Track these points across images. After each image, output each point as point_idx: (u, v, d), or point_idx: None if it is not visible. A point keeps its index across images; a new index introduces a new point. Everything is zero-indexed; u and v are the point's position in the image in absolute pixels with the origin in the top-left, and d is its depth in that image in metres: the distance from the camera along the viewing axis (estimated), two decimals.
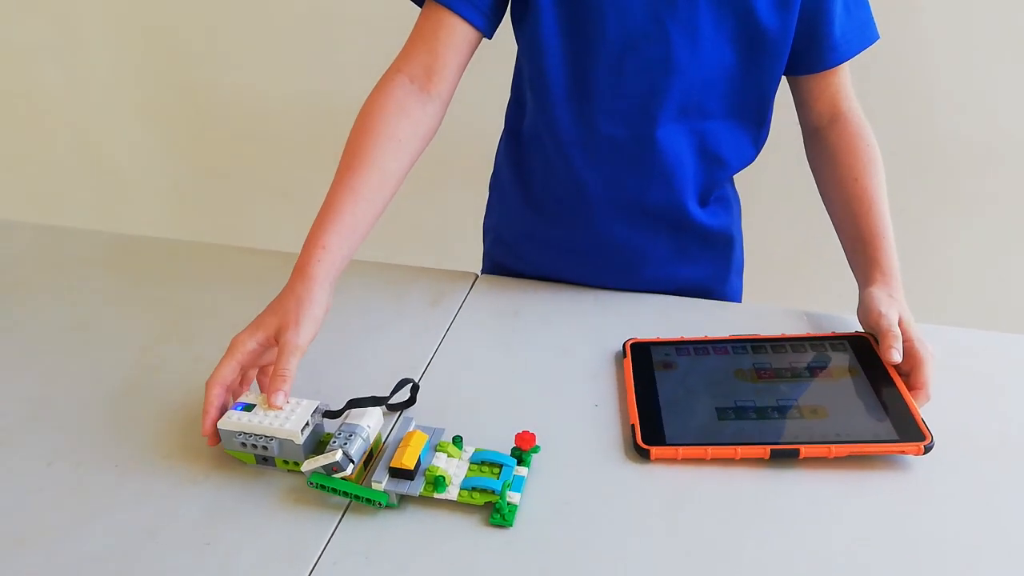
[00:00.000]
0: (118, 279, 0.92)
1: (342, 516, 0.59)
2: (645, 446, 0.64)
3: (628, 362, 0.74)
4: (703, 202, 0.89)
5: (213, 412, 0.62)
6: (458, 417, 0.69)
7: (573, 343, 0.80)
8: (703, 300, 0.88)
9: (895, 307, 0.73)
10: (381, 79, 0.78)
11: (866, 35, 0.83)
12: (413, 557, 0.56)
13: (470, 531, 0.58)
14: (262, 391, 0.65)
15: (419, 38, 0.79)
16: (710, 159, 0.85)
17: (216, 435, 0.62)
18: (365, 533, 0.58)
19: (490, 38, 0.81)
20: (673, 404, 0.69)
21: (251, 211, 1.91)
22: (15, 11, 1.75)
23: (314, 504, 0.60)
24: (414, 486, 0.59)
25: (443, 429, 0.65)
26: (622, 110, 0.80)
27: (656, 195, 0.85)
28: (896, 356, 0.69)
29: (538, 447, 0.64)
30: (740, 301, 1.02)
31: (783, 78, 0.85)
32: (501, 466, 0.61)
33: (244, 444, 0.62)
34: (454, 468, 0.61)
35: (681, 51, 0.78)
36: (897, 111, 1.41)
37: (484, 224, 1.04)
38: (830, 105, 0.85)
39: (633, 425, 0.66)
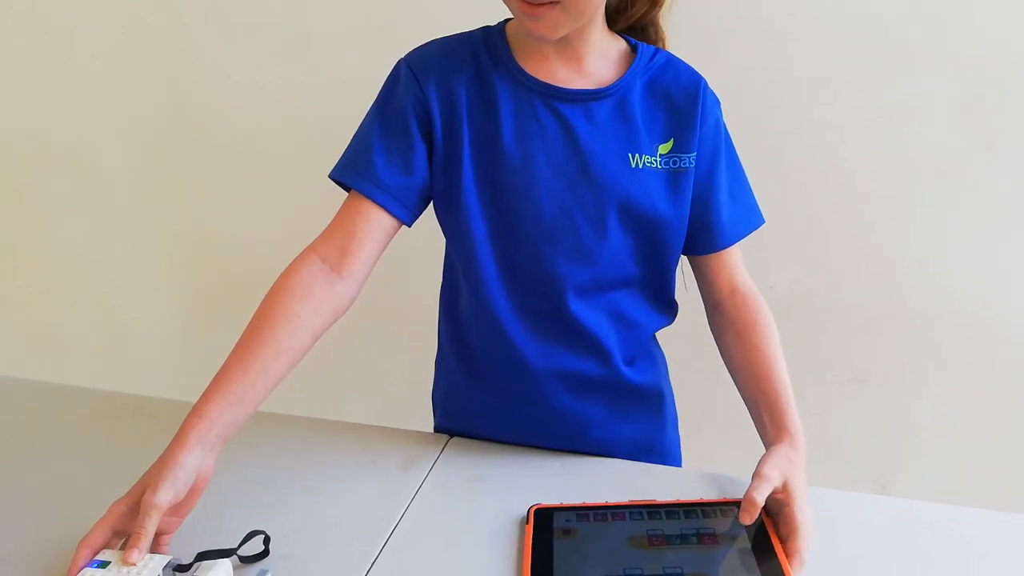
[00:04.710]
0: (105, 437, 0.98)
1: None
2: None
3: (529, 528, 0.80)
4: (630, 362, 0.96)
5: (75, 571, 0.67)
6: None
7: (492, 509, 0.84)
8: (669, 468, 0.95)
9: (779, 468, 0.77)
10: (295, 259, 0.86)
11: (751, 220, 0.95)
12: None
13: None
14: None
15: (339, 222, 0.88)
16: (627, 324, 0.94)
17: None
18: None
19: (410, 226, 0.91)
20: (566, 574, 0.73)
21: None
22: (43, 169, 1.91)
23: None
24: None
25: None
26: (546, 289, 0.90)
27: (587, 361, 0.93)
28: (745, 519, 0.74)
29: None
30: (679, 453, 1.08)
31: (684, 257, 0.95)
32: None
33: None
34: None
35: (590, 239, 0.88)
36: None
37: (433, 396, 1.10)
38: (728, 281, 0.95)
39: None
